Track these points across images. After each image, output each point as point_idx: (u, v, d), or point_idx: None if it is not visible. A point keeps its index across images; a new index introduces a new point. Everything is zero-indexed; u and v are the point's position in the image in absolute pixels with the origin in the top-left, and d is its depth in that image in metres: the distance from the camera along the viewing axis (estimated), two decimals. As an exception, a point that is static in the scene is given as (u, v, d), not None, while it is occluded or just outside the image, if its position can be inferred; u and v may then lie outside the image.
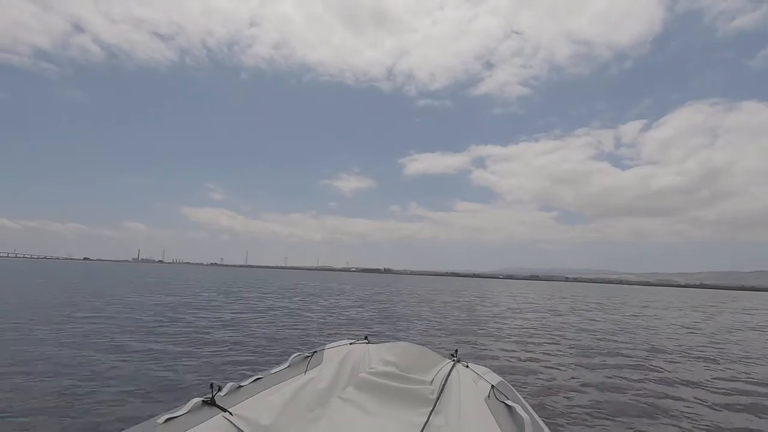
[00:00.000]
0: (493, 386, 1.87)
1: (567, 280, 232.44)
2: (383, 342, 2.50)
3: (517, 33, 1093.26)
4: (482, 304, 17.16)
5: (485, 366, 2.28)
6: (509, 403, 1.69)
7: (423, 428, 1.57)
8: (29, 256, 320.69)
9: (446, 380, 1.91)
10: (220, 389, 1.68)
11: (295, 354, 2.20)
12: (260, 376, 1.91)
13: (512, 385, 2.07)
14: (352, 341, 2.50)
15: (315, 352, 2.27)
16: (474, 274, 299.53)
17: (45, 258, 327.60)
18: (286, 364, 2.09)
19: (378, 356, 2.20)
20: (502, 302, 18.81)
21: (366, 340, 2.55)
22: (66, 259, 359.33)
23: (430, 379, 2.00)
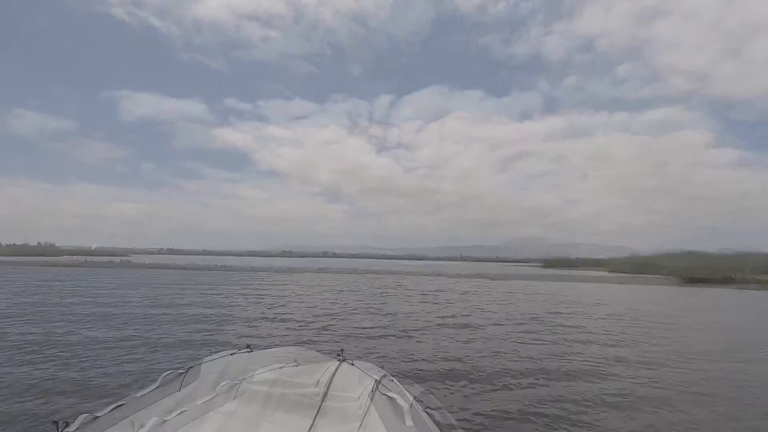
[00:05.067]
0: (376, 380, 1.95)
1: (325, 255, 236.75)
2: (267, 349, 2.46)
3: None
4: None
5: (370, 362, 2.35)
6: (391, 395, 1.79)
7: (308, 431, 1.48)
8: None
9: (331, 380, 1.94)
10: (67, 425, 1.51)
11: (167, 372, 2.03)
12: (122, 403, 1.73)
13: (395, 377, 2.16)
14: (233, 351, 2.35)
15: (191, 367, 2.10)
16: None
17: None
18: (156, 385, 1.93)
19: (261, 364, 2.09)
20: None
21: (249, 349, 2.41)
22: None
23: (316, 381, 1.96)
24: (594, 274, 38.72)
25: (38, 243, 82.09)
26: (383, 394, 1.79)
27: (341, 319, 9.92)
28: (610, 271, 43.15)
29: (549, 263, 68.25)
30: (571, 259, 72.96)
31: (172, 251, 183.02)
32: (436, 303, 14.25)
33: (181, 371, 2.04)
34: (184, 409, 1.71)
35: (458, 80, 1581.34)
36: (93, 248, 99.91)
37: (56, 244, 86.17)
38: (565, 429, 3.79)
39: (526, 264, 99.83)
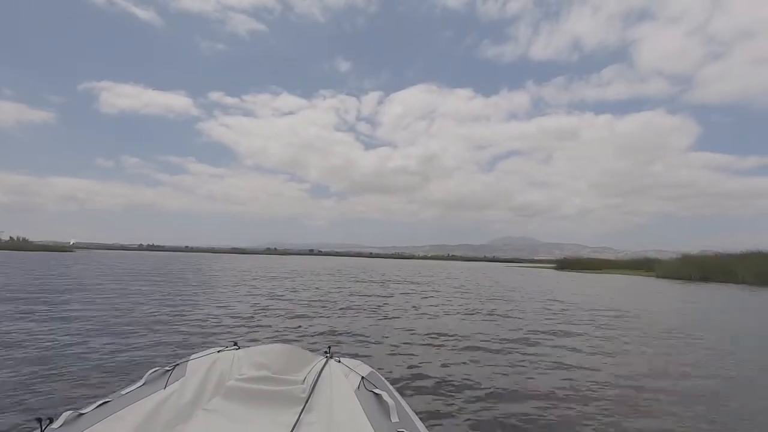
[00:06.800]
0: (363, 377, 1.92)
1: (311, 252, 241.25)
2: (254, 346, 2.30)
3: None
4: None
5: (357, 359, 2.28)
6: (377, 391, 1.76)
7: (293, 428, 1.52)
8: None
9: (318, 377, 1.90)
10: (51, 422, 1.44)
11: (153, 369, 1.93)
12: (107, 400, 1.64)
13: (381, 374, 2.11)
14: (220, 349, 2.25)
15: (177, 364, 2.00)
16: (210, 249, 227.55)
17: None
18: (141, 382, 1.82)
19: (248, 361, 2.04)
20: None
21: (236, 346, 2.31)
22: None
23: (302, 378, 1.94)
24: (676, 288, 34.72)
25: (10, 238, 73.84)
26: (369, 391, 1.77)
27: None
28: (659, 277, 38.99)
29: (564, 264, 63.46)
30: (593, 260, 66.37)
31: (152, 247, 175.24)
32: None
33: (167, 368, 1.93)
34: (170, 406, 1.62)
35: (447, 79, 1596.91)
36: (71, 243, 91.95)
37: (29, 239, 77.95)
38: None
39: (529, 265, 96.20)
